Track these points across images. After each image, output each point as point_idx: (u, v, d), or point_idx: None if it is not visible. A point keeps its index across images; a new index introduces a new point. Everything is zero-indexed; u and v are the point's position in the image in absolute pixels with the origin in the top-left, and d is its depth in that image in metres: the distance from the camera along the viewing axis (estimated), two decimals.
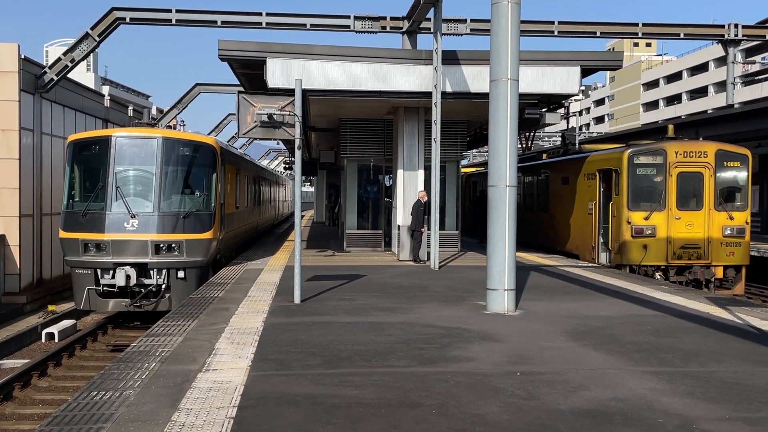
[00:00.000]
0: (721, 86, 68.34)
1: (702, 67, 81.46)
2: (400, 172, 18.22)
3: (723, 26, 21.57)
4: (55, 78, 18.98)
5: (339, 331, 8.70)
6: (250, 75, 17.14)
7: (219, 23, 19.07)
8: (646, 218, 16.60)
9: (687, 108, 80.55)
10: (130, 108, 27.26)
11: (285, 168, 61.37)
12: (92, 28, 18.89)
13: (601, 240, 18.12)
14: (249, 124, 10.98)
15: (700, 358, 7.49)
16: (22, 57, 18.14)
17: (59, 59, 19.06)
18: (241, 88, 18.96)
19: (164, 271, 14.83)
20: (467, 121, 20.86)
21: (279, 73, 15.34)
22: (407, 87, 16.16)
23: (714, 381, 6.54)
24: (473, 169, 36.89)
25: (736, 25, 21.44)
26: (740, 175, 17.05)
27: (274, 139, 17.17)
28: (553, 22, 20.22)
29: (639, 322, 9.56)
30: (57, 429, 5.14)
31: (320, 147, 30.58)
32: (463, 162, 33.12)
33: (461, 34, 19.58)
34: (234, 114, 31.50)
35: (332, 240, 24.99)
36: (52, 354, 12.89)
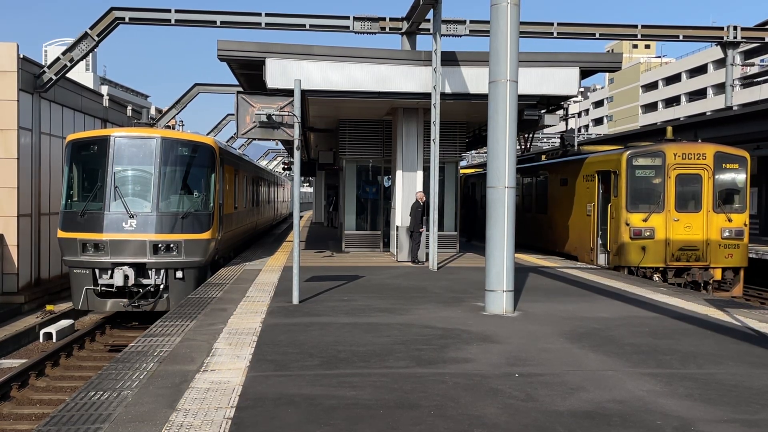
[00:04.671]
0: (719, 88, 68.35)
1: (701, 69, 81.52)
2: (398, 173, 18.22)
3: (722, 28, 21.60)
4: (54, 78, 18.97)
5: (337, 332, 8.70)
6: (249, 75, 17.14)
7: (218, 23, 19.07)
8: (645, 220, 16.61)
9: (686, 110, 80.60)
10: (129, 108, 27.25)
11: (284, 168, 61.37)
12: (91, 28, 18.88)
13: (600, 241, 18.13)
14: (248, 125, 10.98)
15: (698, 359, 7.50)
16: (21, 56, 18.12)
17: (58, 59, 19.04)
18: (240, 89, 18.96)
19: (162, 272, 14.82)
20: (466, 122, 20.86)
21: (278, 73, 15.33)
22: (406, 88, 16.16)
23: (712, 383, 6.54)
24: (472, 170, 36.91)
25: (735, 27, 21.47)
26: (739, 177, 17.07)
27: (273, 140, 17.14)
28: (552, 24, 20.24)
29: (637, 323, 9.57)
30: (55, 429, 5.13)
31: (319, 148, 30.58)
32: (462, 163, 33.14)
33: (460, 35, 19.60)
34: (233, 114, 31.49)
35: (331, 241, 24.99)
36: (49, 354, 12.87)
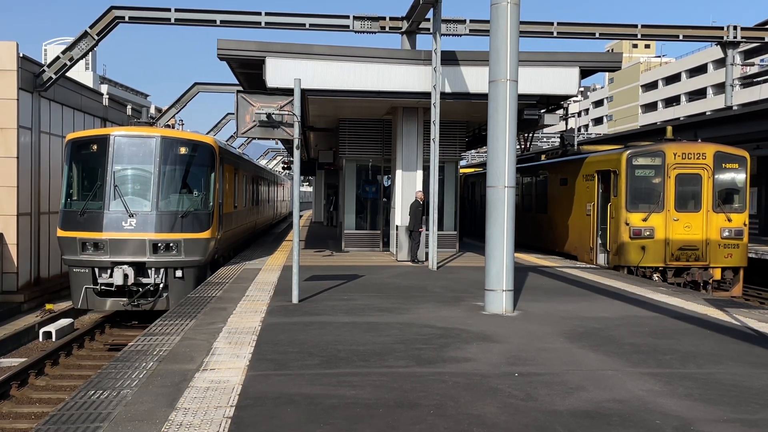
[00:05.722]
0: (719, 88, 68.32)
1: (701, 69, 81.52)
2: (398, 173, 18.21)
3: (722, 28, 21.60)
4: (54, 77, 18.96)
5: (337, 331, 8.70)
6: (249, 74, 17.13)
7: (218, 23, 19.06)
8: (645, 219, 16.61)
9: (686, 110, 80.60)
10: (129, 107, 27.21)
11: (283, 168, 61.37)
12: (91, 27, 18.88)
13: (600, 241, 18.13)
14: (248, 124, 10.97)
15: (698, 359, 7.50)
16: (21, 55, 18.12)
17: (58, 58, 19.04)
18: (240, 88, 18.95)
19: (162, 271, 14.81)
20: (466, 121, 20.86)
21: (278, 72, 15.33)
22: (406, 87, 16.15)
23: (712, 383, 6.54)
24: (472, 170, 36.92)
25: (735, 27, 21.47)
26: (738, 176, 17.07)
27: (273, 139, 17.13)
28: (552, 23, 20.24)
29: (637, 323, 9.57)
30: (54, 428, 5.13)
31: (319, 147, 30.57)
32: (462, 163, 33.14)
33: (460, 35, 19.58)
34: (233, 114, 31.48)
35: (330, 240, 24.99)
36: (49, 353, 12.86)
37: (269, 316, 9.70)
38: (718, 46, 22.54)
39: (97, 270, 14.69)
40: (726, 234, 16.75)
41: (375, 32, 19.43)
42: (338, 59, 15.84)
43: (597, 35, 20.74)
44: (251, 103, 10.91)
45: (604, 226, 17.81)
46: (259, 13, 19.21)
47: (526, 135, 30.63)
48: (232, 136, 40.93)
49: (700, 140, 20.87)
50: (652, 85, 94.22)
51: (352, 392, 6.06)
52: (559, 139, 34.75)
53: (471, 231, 29.74)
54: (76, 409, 5.53)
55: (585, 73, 17.49)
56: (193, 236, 15.00)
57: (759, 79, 48.50)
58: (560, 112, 23.47)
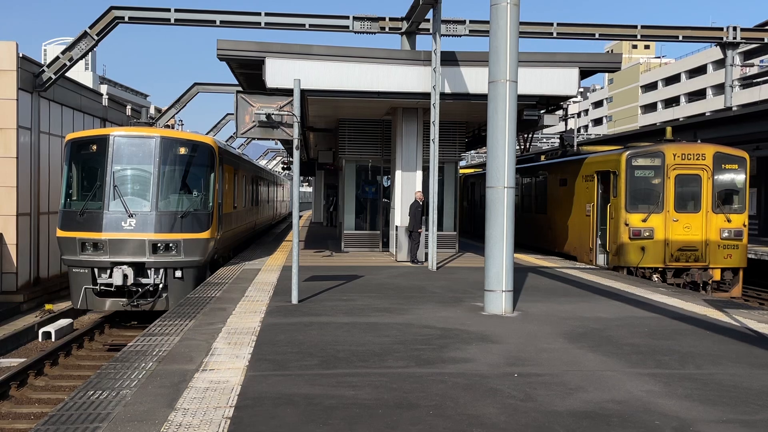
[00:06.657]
0: (719, 89, 68.36)
1: (700, 70, 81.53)
2: (398, 173, 18.21)
3: (721, 29, 21.63)
4: (54, 77, 18.97)
5: (336, 332, 8.70)
6: (248, 75, 17.14)
7: (218, 23, 19.08)
8: (644, 220, 16.62)
9: (685, 110, 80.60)
10: (128, 107, 27.24)
11: (283, 168, 61.43)
12: (91, 27, 18.89)
13: (599, 242, 18.13)
14: (247, 124, 10.97)
15: (697, 360, 7.50)
16: (21, 55, 18.13)
17: (57, 58, 19.05)
18: (240, 88, 18.95)
19: (161, 271, 14.81)
20: (466, 122, 20.86)
21: (277, 73, 15.33)
22: (406, 88, 16.15)
23: (711, 383, 6.54)
24: (471, 170, 36.93)
25: (734, 28, 21.50)
26: (738, 177, 17.08)
27: (273, 139, 17.14)
28: (551, 24, 20.26)
29: (636, 324, 9.57)
30: (53, 428, 5.12)
31: (318, 147, 30.57)
32: (462, 163, 33.14)
33: (460, 35, 19.60)
34: (232, 114, 31.47)
35: (330, 240, 24.98)
36: (48, 353, 12.86)
37: (269, 317, 9.70)
38: (718, 46, 22.57)
39: (96, 270, 14.68)
40: (725, 235, 16.76)
41: (375, 33, 19.44)
42: (338, 60, 15.84)
43: (597, 36, 20.76)
44: (251, 104, 10.91)
45: (604, 226, 17.82)
46: (259, 14, 19.23)
47: (525, 135, 30.68)
48: (231, 136, 40.94)
49: (699, 141, 20.89)
50: (651, 86, 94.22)
51: (352, 393, 6.06)
52: (558, 140, 34.77)
53: (470, 231, 29.77)
54: (75, 410, 5.53)
55: (584, 74, 17.50)
56: (192, 236, 15.00)
57: (758, 79, 48.56)
58: (560, 112, 23.53)
